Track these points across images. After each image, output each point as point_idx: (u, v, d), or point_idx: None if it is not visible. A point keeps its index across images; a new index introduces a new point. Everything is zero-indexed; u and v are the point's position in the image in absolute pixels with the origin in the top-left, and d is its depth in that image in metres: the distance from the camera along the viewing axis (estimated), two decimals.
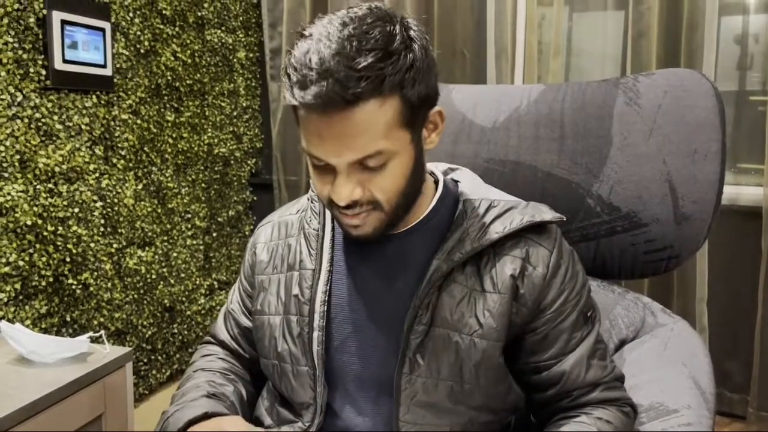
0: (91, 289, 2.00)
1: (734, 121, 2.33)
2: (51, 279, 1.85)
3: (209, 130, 2.58)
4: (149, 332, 2.28)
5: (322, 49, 0.70)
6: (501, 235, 0.82)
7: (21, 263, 1.75)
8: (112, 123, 2.07)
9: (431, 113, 0.80)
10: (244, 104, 2.81)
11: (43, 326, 1.83)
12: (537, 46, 2.40)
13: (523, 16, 2.41)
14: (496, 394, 0.84)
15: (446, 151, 1.21)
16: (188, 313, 2.49)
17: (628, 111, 1.11)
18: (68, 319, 1.92)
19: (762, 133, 2.15)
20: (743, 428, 2.23)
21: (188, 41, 2.43)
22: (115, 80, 2.07)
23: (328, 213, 0.91)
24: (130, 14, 2.13)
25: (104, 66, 1.99)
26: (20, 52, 1.73)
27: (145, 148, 2.23)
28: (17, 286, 1.74)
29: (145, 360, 2.28)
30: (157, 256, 2.30)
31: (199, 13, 2.49)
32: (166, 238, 2.35)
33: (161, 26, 2.28)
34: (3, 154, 1.69)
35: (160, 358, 2.35)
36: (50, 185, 1.84)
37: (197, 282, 2.54)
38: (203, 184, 2.56)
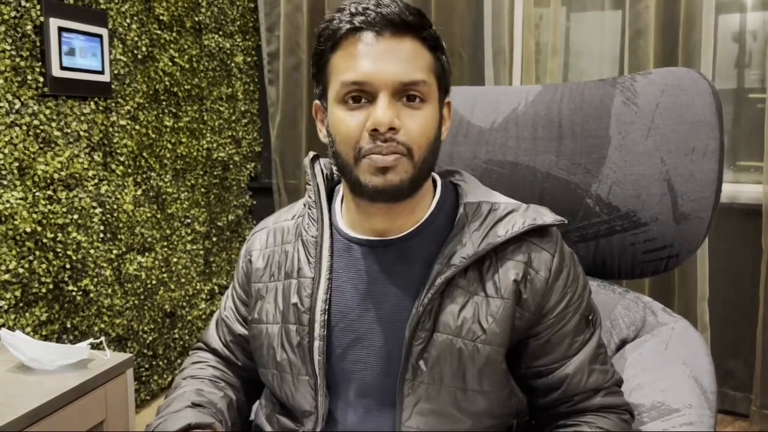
0: (92, 295, 2.00)
1: (733, 119, 2.33)
2: (51, 286, 1.85)
3: (208, 134, 2.58)
4: (150, 338, 2.28)
5: None
6: (503, 240, 0.81)
7: (21, 270, 1.75)
8: (111, 129, 2.07)
9: (446, 100, 0.86)
10: (243, 108, 2.81)
11: (44, 333, 1.83)
12: (535, 46, 2.40)
13: (520, 17, 2.41)
14: (498, 399, 0.83)
15: (445, 152, 1.21)
16: (189, 318, 2.49)
17: (625, 110, 1.11)
18: (69, 325, 1.91)
19: (761, 130, 2.15)
20: (746, 427, 2.23)
21: (186, 46, 2.44)
22: (113, 86, 2.07)
23: (326, 219, 0.89)
24: (127, 20, 2.13)
25: (102, 72, 2.00)
26: (18, 59, 1.73)
27: (144, 154, 2.23)
28: (17, 293, 1.74)
29: (147, 366, 2.27)
30: (157, 262, 2.30)
31: (197, 18, 2.49)
32: (165, 243, 2.35)
33: (158, 32, 2.29)
34: (2, 162, 1.69)
35: (161, 363, 2.35)
36: (49, 192, 1.84)
37: (198, 287, 2.54)
38: (202, 189, 2.56)
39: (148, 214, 2.25)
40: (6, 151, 1.70)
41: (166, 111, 2.34)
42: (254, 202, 2.91)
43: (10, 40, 1.71)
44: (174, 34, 2.37)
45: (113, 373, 1.30)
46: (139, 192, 2.21)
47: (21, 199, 1.75)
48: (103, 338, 1.45)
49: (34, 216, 1.79)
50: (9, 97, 1.71)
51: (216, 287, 2.65)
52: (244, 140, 2.83)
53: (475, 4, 2.51)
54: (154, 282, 2.29)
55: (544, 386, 0.85)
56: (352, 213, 0.88)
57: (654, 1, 2.20)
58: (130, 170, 2.16)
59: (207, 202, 2.59)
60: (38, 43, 1.79)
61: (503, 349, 0.81)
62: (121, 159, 2.12)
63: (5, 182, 1.71)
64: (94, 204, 2.00)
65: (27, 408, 1.11)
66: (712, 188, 1.06)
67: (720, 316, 2.24)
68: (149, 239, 2.26)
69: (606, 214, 1.11)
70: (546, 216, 0.85)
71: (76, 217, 1.93)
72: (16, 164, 1.74)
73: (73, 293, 1.93)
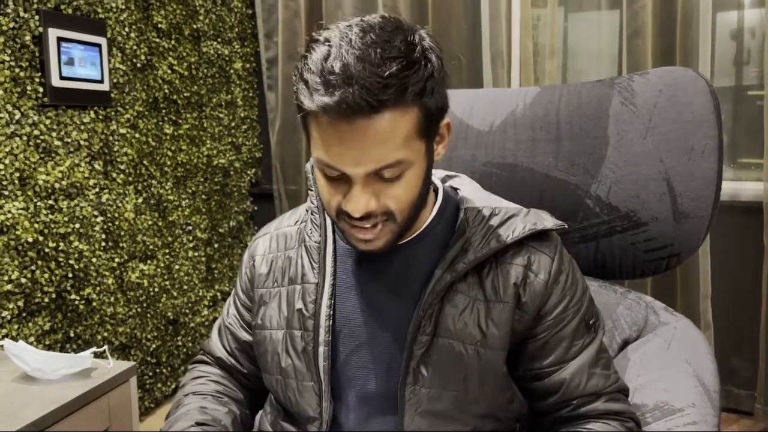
0: (94, 304, 2.00)
1: (733, 117, 2.33)
2: (54, 295, 1.85)
3: (208, 141, 2.58)
4: (153, 345, 2.28)
5: (344, 55, 0.68)
6: (504, 245, 0.82)
7: (23, 280, 1.75)
8: (111, 138, 2.07)
9: (441, 125, 0.80)
10: (242, 115, 2.82)
11: (47, 343, 1.83)
12: (532, 48, 2.41)
13: (517, 19, 2.41)
14: (500, 402, 0.83)
15: (444, 157, 1.21)
16: (192, 325, 2.49)
17: (623, 111, 1.11)
18: (72, 334, 1.92)
19: (761, 127, 2.15)
20: (751, 425, 2.22)
21: (184, 54, 2.44)
22: (112, 95, 2.08)
23: (329, 225, 0.90)
24: (126, 29, 2.14)
25: (101, 81, 2.00)
26: (17, 70, 1.74)
27: (145, 162, 2.23)
28: (20, 303, 1.74)
29: (150, 373, 2.27)
30: (159, 269, 2.31)
31: (195, 26, 2.50)
32: (167, 250, 2.35)
33: (157, 40, 2.29)
34: (2, 172, 1.70)
35: (165, 371, 2.35)
36: (50, 202, 1.84)
37: (200, 294, 2.54)
38: (203, 196, 2.56)
39: (150, 222, 2.26)
40: (7, 161, 1.71)
41: (165, 119, 2.34)
42: (255, 208, 2.92)
43: (9, 51, 1.72)
44: (173, 42, 2.37)
45: (117, 382, 1.30)
46: (140, 200, 2.21)
47: (22, 209, 1.75)
48: (106, 347, 1.46)
49: (36, 226, 1.79)
50: (9, 107, 1.72)
51: (218, 293, 2.65)
52: (244, 146, 2.84)
53: (472, 6, 2.51)
54: (156, 289, 2.29)
55: (542, 389, 0.84)
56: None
57: (651, 1, 2.20)
58: (130, 178, 2.16)
59: (208, 208, 2.60)
60: (37, 54, 1.80)
61: (504, 353, 0.82)
62: (122, 167, 2.12)
63: (6, 193, 1.71)
64: (96, 213, 2.01)
65: (31, 418, 1.11)
66: (712, 187, 1.06)
67: (723, 314, 2.24)
68: (151, 247, 2.26)
69: (606, 215, 1.11)
70: (546, 221, 0.85)
71: (77, 226, 1.93)
72: (17, 174, 1.74)
73: (76, 302, 1.93)
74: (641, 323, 1.09)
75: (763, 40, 2.19)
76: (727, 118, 2.30)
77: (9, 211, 1.71)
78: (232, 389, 0.98)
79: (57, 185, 1.86)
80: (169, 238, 2.37)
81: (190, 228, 2.48)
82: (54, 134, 1.85)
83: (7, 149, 1.71)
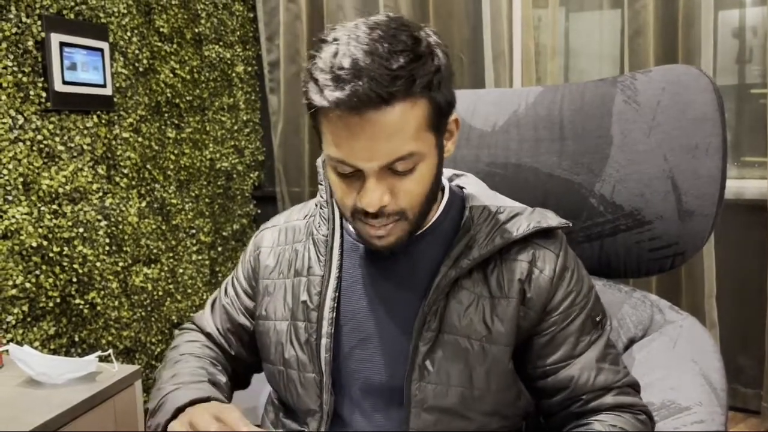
0: (99, 308, 2.00)
1: (736, 115, 2.32)
2: (58, 300, 1.85)
3: (211, 145, 2.59)
4: (158, 349, 2.28)
5: (353, 51, 0.70)
6: (508, 242, 0.82)
7: (28, 285, 1.75)
8: (114, 142, 2.08)
9: (450, 120, 0.81)
10: (245, 118, 2.82)
11: (52, 347, 1.83)
12: (534, 48, 2.40)
13: (519, 19, 2.41)
14: (506, 399, 0.84)
15: (447, 157, 1.21)
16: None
17: (626, 109, 1.11)
18: (77, 339, 1.92)
19: (764, 125, 2.15)
20: (758, 424, 2.21)
21: (186, 58, 2.45)
22: (115, 99, 2.08)
23: (337, 219, 0.90)
24: (128, 33, 2.14)
25: (104, 86, 2.01)
26: (20, 75, 1.74)
27: (148, 166, 2.23)
28: (25, 308, 1.74)
29: (155, 375, 2.27)
30: (163, 273, 2.31)
31: (197, 30, 2.51)
32: (171, 254, 2.36)
33: (159, 44, 2.30)
34: (6, 177, 1.70)
35: None
36: (54, 206, 1.85)
37: (204, 297, 2.54)
38: (207, 199, 2.57)
39: (153, 226, 2.26)
40: (10, 166, 1.71)
41: (168, 122, 2.35)
42: (258, 211, 2.92)
43: (11, 57, 1.72)
44: (174, 46, 2.38)
45: (122, 386, 1.30)
46: (144, 204, 2.22)
47: (26, 214, 1.75)
48: (110, 351, 1.46)
49: (40, 230, 1.80)
50: (12, 112, 1.72)
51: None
52: (246, 149, 2.84)
53: (473, 7, 2.51)
54: (160, 293, 2.29)
55: (551, 386, 0.84)
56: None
57: (652, 0, 2.20)
58: (134, 182, 2.17)
59: (211, 212, 2.60)
60: (40, 59, 1.80)
61: (509, 349, 0.82)
62: (125, 171, 2.13)
63: (10, 198, 1.71)
64: (99, 217, 2.01)
65: (36, 422, 1.11)
66: (716, 185, 1.06)
67: (728, 313, 2.23)
68: (155, 251, 2.27)
69: (610, 214, 1.11)
70: (551, 219, 0.87)
71: (81, 230, 1.93)
72: (21, 179, 1.74)
73: (81, 306, 1.93)
74: (647, 322, 1.09)
75: (765, 39, 2.19)
76: (730, 116, 2.29)
77: (13, 216, 1.71)
78: (222, 360, 0.98)
79: (61, 190, 1.86)
80: (173, 242, 2.37)
81: (194, 231, 2.49)
82: (57, 139, 1.86)
83: (11, 154, 1.71)
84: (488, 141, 1.21)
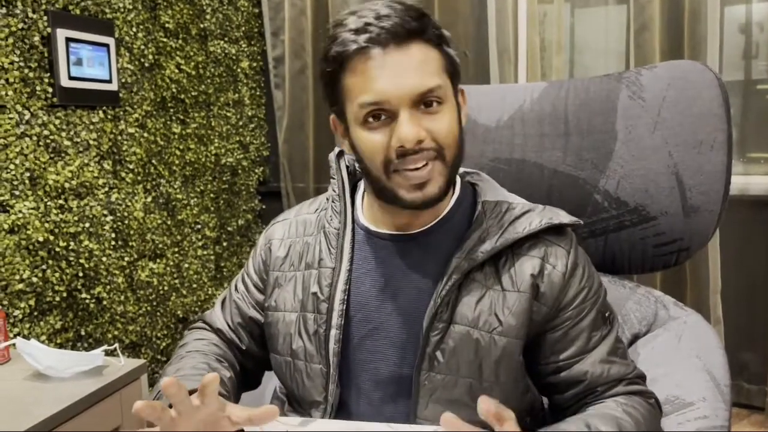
0: (105, 302, 2.01)
1: (742, 111, 2.31)
2: (64, 294, 1.86)
3: (216, 140, 2.59)
4: (164, 344, 2.29)
5: (374, 7, 0.79)
6: (521, 236, 0.83)
7: (34, 279, 1.76)
8: (120, 137, 2.09)
9: (458, 86, 0.85)
10: (250, 113, 2.83)
11: (59, 341, 1.84)
12: (539, 43, 2.40)
13: (524, 15, 2.41)
14: (514, 392, 0.84)
15: None
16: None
17: (631, 105, 1.11)
18: (83, 333, 1.93)
19: None
20: (762, 420, 2.21)
21: (192, 53, 2.45)
22: (120, 95, 2.09)
23: (349, 213, 0.91)
24: (134, 29, 2.15)
25: (110, 81, 2.01)
26: (26, 70, 1.75)
27: (153, 161, 2.24)
28: (31, 302, 1.75)
29: (161, 371, 2.29)
30: (168, 268, 2.32)
31: (202, 25, 2.51)
32: (176, 249, 2.37)
33: (164, 39, 2.30)
34: (13, 172, 1.71)
35: None
36: (60, 201, 1.86)
37: (209, 292, 2.55)
38: (212, 195, 2.57)
39: (159, 221, 2.27)
40: (17, 161, 1.72)
41: (173, 118, 2.35)
42: (263, 207, 2.93)
43: (18, 52, 1.73)
44: (180, 42, 2.38)
45: (128, 379, 1.31)
46: (149, 199, 2.23)
47: (33, 208, 1.76)
48: (116, 345, 1.47)
49: (47, 225, 1.81)
50: (19, 108, 1.73)
51: (223, 291, 2.66)
52: (251, 145, 2.85)
53: (478, 3, 2.51)
54: (166, 288, 2.30)
55: (565, 381, 0.85)
56: (374, 209, 0.90)
57: None
58: (139, 178, 2.18)
59: (216, 207, 2.61)
60: (46, 54, 1.81)
61: (519, 342, 0.82)
62: (131, 167, 2.13)
63: (17, 192, 1.72)
64: (105, 212, 2.02)
65: (44, 415, 1.12)
66: (721, 180, 1.06)
67: (733, 309, 2.23)
68: (160, 246, 2.28)
69: (615, 209, 1.11)
70: (562, 216, 0.88)
71: (87, 225, 1.94)
72: (28, 174, 1.75)
73: (87, 301, 1.94)
74: (651, 318, 1.09)
75: None
76: (736, 112, 2.28)
77: (20, 211, 1.72)
78: (230, 358, 0.98)
79: (67, 185, 1.87)
80: (178, 237, 2.38)
81: (199, 227, 2.50)
82: (63, 134, 1.87)
83: (18, 149, 1.72)
84: (493, 136, 1.21)
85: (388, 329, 0.85)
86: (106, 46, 1.99)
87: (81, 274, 1.92)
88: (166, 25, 2.31)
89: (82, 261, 1.92)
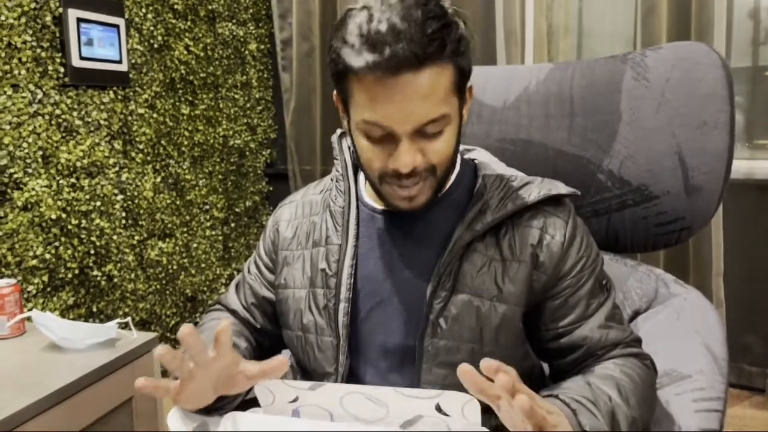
0: (116, 280, 2.05)
1: (750, 97, 2.31)
2: (77, 271, 1.90)
3: (224, 122, 2.61)
4: (173, 321, 2.33)
5: (389, 16, 0.73)
6: (520, 207, 0.86)
7: (48, 256, 1.80)
8: (130, 118, 2.11)
9: (467, 87, 0.84)
10: (257, 96, 2.84)
11: (71, 317, 1.88)
12: (546, 27, 2.40)
13: None
14: (513, 357, 0.87)
15: None
16: (210, 302, 2.54)
17: (636, 86, 1.12)
18: (95, 309, 1.97)
19: None
20: (763, 401, 2.24)
21: (200, 35, 2.47)
22: (130, 75, 2.11)
23: (353, 190, 0.94)
24: (143, 10, 2.16)
25: (120, 62, 2.03)
26: (38, 50, 1.77)
27: (162, 142, 2.27)
28: (45, 278, 1.79)
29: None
30: (177, 247, 2.35)
31: (210, 7, 2.52)
32: (185, 229, 2.40)
33: (173, 21, 2.32)
34: (26, 150, 1.74)
35: None
36: (72, 180, 1.89)
37: (217, 272, 2.59)
38: (220, 176, 2.60)
39: (168, 201, 2.30)
40: (30, 140, 1.75)
41: (182, 99, 2.37)
42: (270, 189, 2.95)
43: (30, 32, 1.75)
44: (188, 23, 2.40)
45: (140, 351, 1.34)
46: (159, 179, 2.25)
47: (46, 186, 1.79)
48: (129, 318, 1.50)
49: (59, 203, 1.84)
50: (31, 87, 1.75)
51: (235, 272, 2.70)
52: (259, 127, 2.86)
53: None
54: (175, 267, 2.34)
55: (565, 347, 0.88)
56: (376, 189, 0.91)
57: None
58: (149, 158, 2.20)
59: (224, 188, 2.63)
60: (58, 34, 1.83)
61: (519, 309, 0.85)
62: (141, 147, 2.16)
63: (30, 170, 1.75)
64: (116, 191, 2.05)
65: (58, 385, 1.15)
66: (723, 160, 1.07)
67: (735, 292, 2.25)
68: (169, 225, 2.31)
69: (618, 189, 1.13)
70: (560, 187, 0.90)
71: (98, 204, 1.97)
72: (40, 153, 1.78)
73: (98, 278, 1.98)
74: (651, 295, 1.11)
75: None
76: (744, 98, 2.28)
77: (33, 189, 1.75)
78: (246, 333, 1.02)
79: (78, 164, 1.90)
80: (187, 217, 2.41)
81: (207, 207, 2.52)
82: (75, 113, 1.89)
83: (31, 128, 1.75)
84: (499, 117, 1.23)
85: (394, 302, 0.88)
86: (116, 26, 2.01)
87: (92, 252, 1.96)
88: (175, 6, 2.32)
89: (93, 239, 1.96)
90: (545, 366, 0.97)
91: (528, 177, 0.92)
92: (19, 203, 1.72)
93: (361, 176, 0.97)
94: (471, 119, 1.25)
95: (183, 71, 2.37)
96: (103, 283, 2.00)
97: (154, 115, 2.22)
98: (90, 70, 1.92)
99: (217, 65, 2.57)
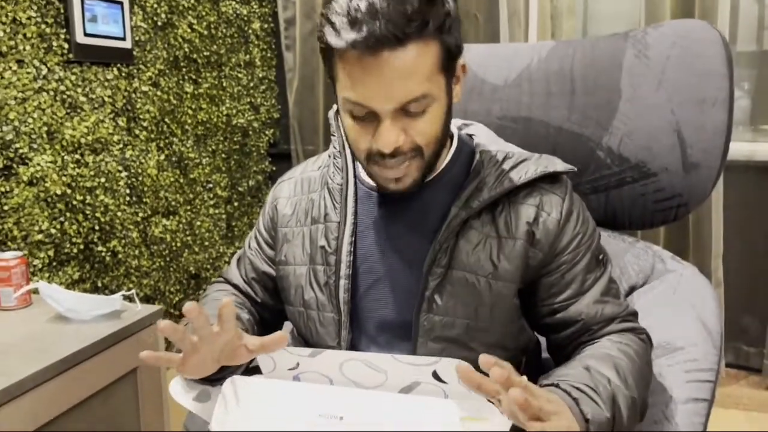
0: (120, 256, 2.07)
1: (756, 82, 2.31)
2: (81, 246, 1.92)
3: (227, 101, 2.62)
4: (176, 298, 2.36)
5: None
6: (517, 184, 0.87)
7: (53, 231, 1.82)
8: (134, 95, 2.12)
9: (458, 64, 0.83)
10: (261, 75, 2.84)
11: (76, 292, 1.90)
12: (551, 8, 2.39)
13: None
14: (509, 332, 0.89)
15: (459, 110, 1.24)
16: (213, 280, 2.56)
17: (637, 63, 1.13)
18: (99, 284, 1.99)
19: None
20: (759, 381, 2.27)
21: (204, 13, 2.47)
22: (134, 53, 2.11)
23: (350, 168, 0.95)
24: None
25: (124, 39, 2.04)
26: (43, 26, 1.78)
27: (166, 120, 2.28)
28: (50, 252, 1.81)
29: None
30: (181, 225, 2.37)
31: None
32: (189, 207, 2.42)
33: None
34: (31, 126, 1.75)
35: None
36: (77, 156, 1.90)
37: (221, 250, 2.61)
38: (223, 155, 2.61)
39: (172, 179, 2.31)
40: (35, 115, 1.76)
41: (186, 77, 2.38)
42: (273, 168, 2.96)
43: (35, 7, 1.75)
44: (192, 1, 2.40)
45: (145, 323, 1.36)
46: (162, 157, 2.27)
47: (51, 162, 1.81)
48: (134, 291, 1.52)
49: (64, 179, 1.85)
50: (36, 62, 1.76)
51: (239, 250, 2.71)
52: (262, 106, 2.87)
53: None
54: (178, 244, 2.36)
55: (562, 321, 0.89)
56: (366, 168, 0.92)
57: None
58: (153, 135, 2.21)
59: (228, 167, 2.65)
60: (62, 10, 1.84)
61: (514, 286, 0.86)
62: (144, 124, 2.17)
63: (35, 146, 1.77)
64: (120, 168, 2.07)
65: (63, 353, 1.18)
66: (722, 138, 1.08)
67: (734, 273, 2.27)
68: (173, 203, 2.33)
69: (617, 166, 1.14)
70: (557, 164, 0.91)
71: (103, 180, 1.99)
72: (45, 129, 1.80)
73: (103, 254, 2.00)
74: (648, 270, 1.13)
75: None
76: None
77: (38, 164, 1.77)
78: (248, 306, 1.04)
79: (83, 140, 1.92)
80: (191, 195, 2.42)
81: (211, 186, 2.54)
82: (79, 90, 1.90)
83: (35, 104, 1.76)
84: (500, 95, 1.24)
85: (392, 278, 0.90)
86: (120, 3, 2.01)
87: (97, 228, 1.98)
88: None
89: (98, 215, 1.98)
90: (543, 340, 0.99)
91: (525, 153, 0.92)
92: (25, 178, 1.74)
93: None
94: (472, 97, 1.26)
95: (187, 49, 2.37)
96: (107, 258, 2.02)
97: (158, 93, 2.23)
98: (94, 47, 1.92)
99: (221, 44, 2.57)
